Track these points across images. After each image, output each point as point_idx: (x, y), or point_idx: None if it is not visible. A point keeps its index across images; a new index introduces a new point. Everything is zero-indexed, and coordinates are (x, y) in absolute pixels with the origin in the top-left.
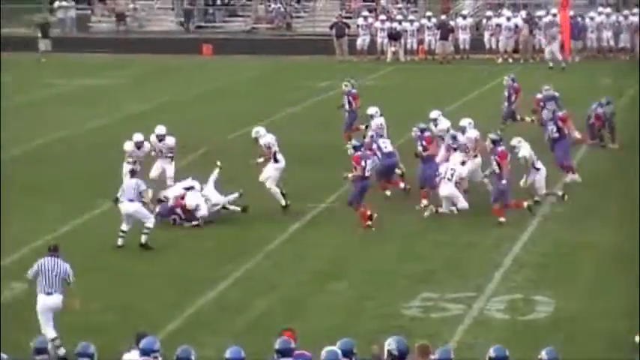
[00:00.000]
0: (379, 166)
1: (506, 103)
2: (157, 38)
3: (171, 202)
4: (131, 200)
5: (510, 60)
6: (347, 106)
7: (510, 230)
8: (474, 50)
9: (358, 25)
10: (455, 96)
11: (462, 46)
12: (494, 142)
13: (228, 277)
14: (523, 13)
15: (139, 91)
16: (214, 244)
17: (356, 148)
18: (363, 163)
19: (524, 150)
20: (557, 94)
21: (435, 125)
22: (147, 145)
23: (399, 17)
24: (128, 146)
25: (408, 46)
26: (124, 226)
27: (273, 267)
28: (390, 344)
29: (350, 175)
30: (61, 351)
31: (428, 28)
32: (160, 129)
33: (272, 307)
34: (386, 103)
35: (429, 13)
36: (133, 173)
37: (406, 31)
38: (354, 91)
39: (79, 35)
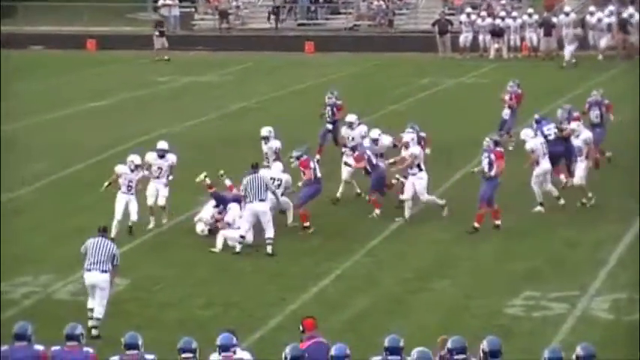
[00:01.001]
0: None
1: (507, 111)
2: (259, 35)
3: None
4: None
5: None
6: (329, 118)
7: (614, 228)
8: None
9: (461, 22)
10: (559, 93)
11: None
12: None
13: (330, 274)
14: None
15: (241, 88)
16: (316, 241)
17: (299, 158)
18: (311, 165)
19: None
20: (602, 99)
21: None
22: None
23: (502, 14)
24: (121, 169)
25: (511, 42)
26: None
27: (374, 264)
28: (484, 344)
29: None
30: (94, 332)
31: (529, 25)
32: (162, 144)
33: (373, 304)
34: (488, 100)
35: (530, 10)
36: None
37: (509, 27)
38: (338, 102)
39: (182, 33)
